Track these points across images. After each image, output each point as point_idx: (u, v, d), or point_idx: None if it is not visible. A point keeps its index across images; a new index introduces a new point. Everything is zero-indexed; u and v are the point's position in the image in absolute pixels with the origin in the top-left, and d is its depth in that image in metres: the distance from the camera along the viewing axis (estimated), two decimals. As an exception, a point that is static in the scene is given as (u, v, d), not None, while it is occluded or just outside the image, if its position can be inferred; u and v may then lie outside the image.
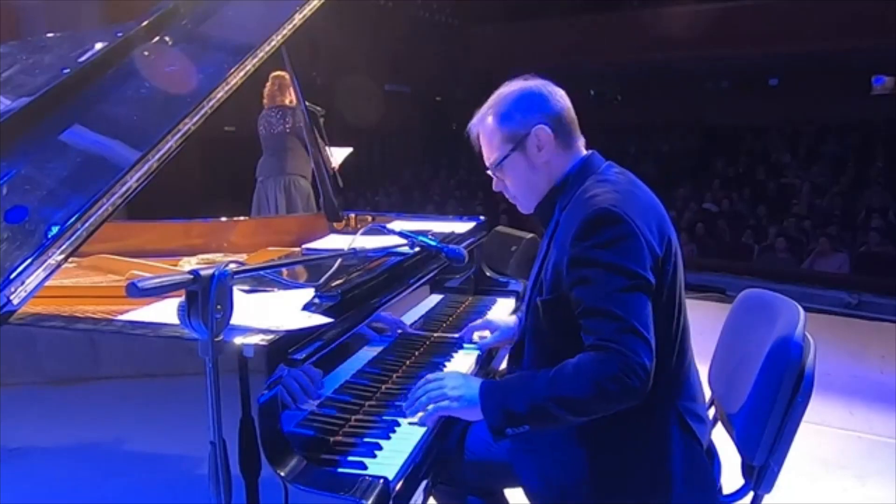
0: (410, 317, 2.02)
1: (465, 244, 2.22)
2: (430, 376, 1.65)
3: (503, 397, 1.51)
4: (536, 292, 1.63)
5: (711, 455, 1.70)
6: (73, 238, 1.47)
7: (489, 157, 1.71)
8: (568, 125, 1.67)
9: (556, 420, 1.47)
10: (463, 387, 1.57)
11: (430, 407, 1.56)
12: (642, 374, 1.39)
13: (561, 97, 1.68)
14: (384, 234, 1.96)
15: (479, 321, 2.08)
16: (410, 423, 1.57)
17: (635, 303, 1.43)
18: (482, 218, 2.75)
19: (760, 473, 1.60)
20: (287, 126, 4.74)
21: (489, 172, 1.72)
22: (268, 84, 4.84)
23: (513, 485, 1.76)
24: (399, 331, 1.91)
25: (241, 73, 1.88)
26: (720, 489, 1.68)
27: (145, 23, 2.06)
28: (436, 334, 2.14)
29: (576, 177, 1.65)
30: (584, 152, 1.70)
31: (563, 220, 1.59)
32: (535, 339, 1.66)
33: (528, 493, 1.66)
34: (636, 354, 1.39)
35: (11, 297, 1.37)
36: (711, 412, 1.85)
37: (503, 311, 2.45)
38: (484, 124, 1.70)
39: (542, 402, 1.45)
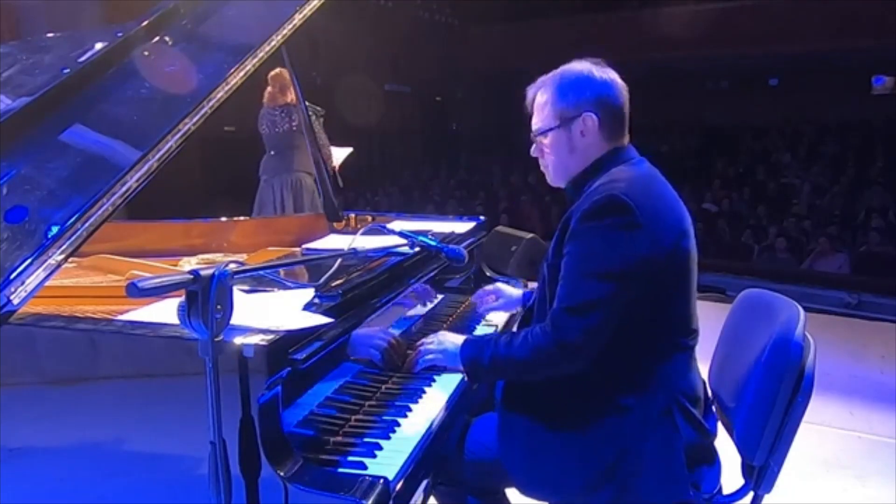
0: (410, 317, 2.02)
1: (465, 244, 2.22)
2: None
3: (477, 350, 1.68)
4: (546, 258, 1.69)
5: (712, 455, 1.70)
6: (73, 238, 1.47)
7: (536, 123, 1.75)
8: (617, 120, 1.70)
9: (504, 375, 1.70)
10: (447, 342, 1.76)
11: (420, 359, 1.77)
12: (570, 353, 1.54)
13: (621, 91, 1.70)
14: (384, 234, 1.96)
15: (489, 287, 2.24)
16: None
17: (596, 288, 1.52)
18: (482, 218, 2.75)
19: (760, 473, 1.60)
20: (293, 124, 4.70)
21: (532, 136, 1.77)
22: (268, 87, 4.83)
23: (512, 484, 1.76)
24: (428, 303, 2.04)
25: (241, 73, 1.88)
26: (720, 489, 1.68)
27: (145, 23, 2.05)
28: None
29: (606, 163, 1.68)
30: (623, 144, 1.72)
31: (583, 200, 1.63)
32: (540, 305, 1.71)
33: (518, 482, 1.67)
34: (570, 335, 1.53)
35: (11, 297, 1.37)
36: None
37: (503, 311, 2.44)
38: (541, 92, 1.73)
39: (498, 358, 1.63)
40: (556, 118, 1.69)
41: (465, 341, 1.73)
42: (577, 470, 1.58)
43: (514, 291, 2.21)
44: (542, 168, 1.80)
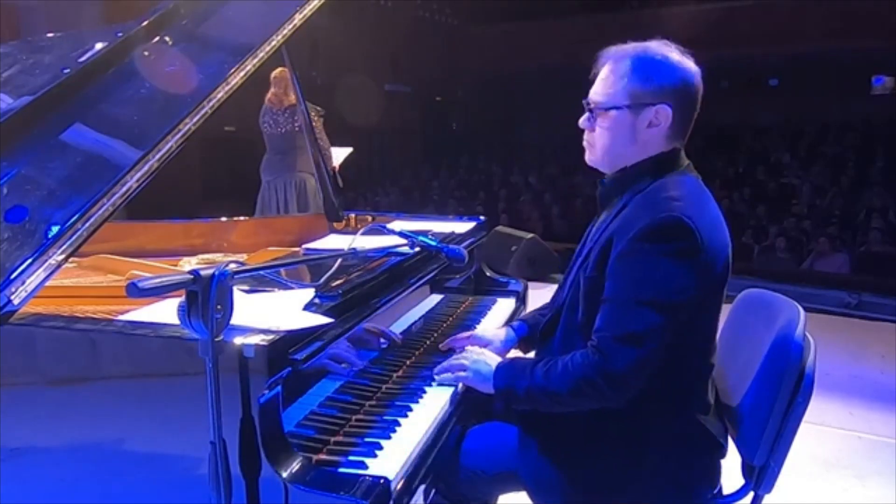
0: (410, 317, 2.02)
1: (465, 244, 2.22)
2: (448, 344, 1.83)
3: (511, 378, 1.59)
4: (582, 268, 1.59)
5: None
6: (73, 238, 1.47)
7: (599, 94, 1.57)
8: (689, 118, 1.58)
9: (542, 406, 1.56)
10: (481, 362, 1.67)
11: (451, 374, 1.70)
12: (619, 385, 1.44)
13: (700, 84, 1.56)
14: (384, 234, 1.96)
15: (464, 335, 1.96)
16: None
17: (652, 319, 1.42)
18: (482, 218, 2.75)
19: (760, 473, 1.60)
20: (297, 124, 4.71)
21: (586, 104, 1.61)
22: (272, 88, 4.83)
23: (509, 490, 1.76)
24: (385, 342, 1.82)
25: (242, 73, 1.88)
26: (720, 489, 1.68)
27: (145, 23, 2.05)
28: (437, 333, 2.14)
29: (659, 166, 1.57)
30: (676, 145, 1.61)
31: (631, 206, 1.53)
32: (570, 313, 1.62)
33: (533, 494, 1.66)
34: (620, 365, 1.43)
35: (12, 297, 1.37)
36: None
37: (503, 311, 2.45)
38: (620, 63, 1.55)
39: (535, 389, 1.53)
40: (628, 97, 1.53)
41: (499, 367, 1.63)
42: (597, 481, 1.57)
43: (500, 334, 1.94)
44: (584, 142, 1.63)
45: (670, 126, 1.55)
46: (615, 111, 1.54)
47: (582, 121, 1.62)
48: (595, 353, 1.45)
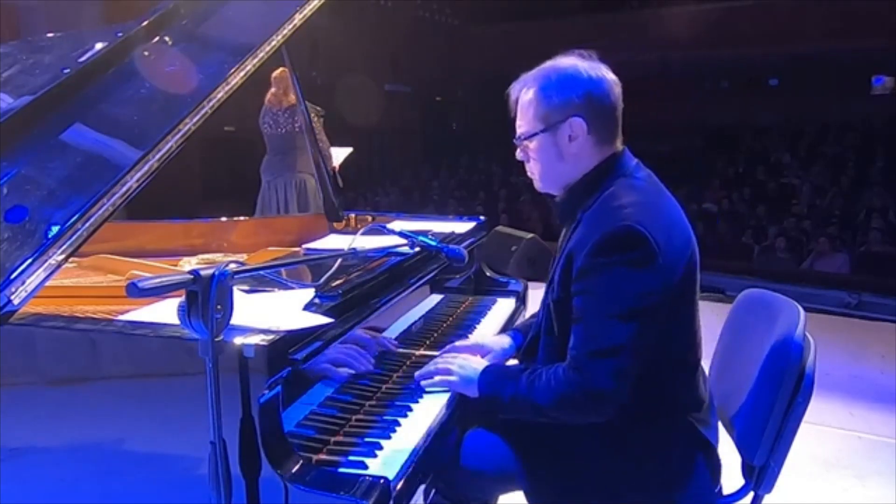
0: (410, 317, 2.02)
1: (465, 244, 2.22)
2: (449, 351, 1.76)
3: (497, 384, 1.58)
4: (550, 292, 1.61)
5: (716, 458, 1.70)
6: (73, 238, 1.47)
7: (520, 126, 1.62)
8: (609, 121, 1.58)
9: (526, 415, 1.56)
10: (468, 366, 1.65)
11: (437, 378, 1.67)
12: (600, 401, 1.45)
13: (612, 88, 1.56)
14: (384, 234, 1.95)
15: (466, 342, 1.94)
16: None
17: (622, 330, 1.43)
18: (482, 218, 2.75)
19: (760, 473, 1.60)
20: (297, 125, 4.71)
21: (515, 140, 1.66)
22: (272, 89, 4.83)
23: (509, 490, 1.76)
24: (381, 349, 1.81)
25: (242, 73, 1.88)
26: (720, 489, 1.68)
27: (145, 23, 2.06)
28: (437, 333, 2.14)
29: (603, 175, 1.57)
30: (618, 148, 1.61)
31: (584, 221, 1.54)
32: (548, 335, 1.64)
33: (531, 496, 1.66)
34: (599, 381, 1.43)
35: (12, 297, 1.37)
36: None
37: (503, 311, 2.44)
38: (524, 91, 1.60)
39: (519, 399, 1.53)
40: (541, 121, 1.57)
41: (485, 371, 1.62)
42: (594, 482, 1.57)
43: (501, 342, 1.90)
44: (528, 173, 1.69)
45: (590, 134, 1.56)
46: (535, 137, 1.59)
47: (518, 154, 1.67)
48: (573, 371, 1.46)
